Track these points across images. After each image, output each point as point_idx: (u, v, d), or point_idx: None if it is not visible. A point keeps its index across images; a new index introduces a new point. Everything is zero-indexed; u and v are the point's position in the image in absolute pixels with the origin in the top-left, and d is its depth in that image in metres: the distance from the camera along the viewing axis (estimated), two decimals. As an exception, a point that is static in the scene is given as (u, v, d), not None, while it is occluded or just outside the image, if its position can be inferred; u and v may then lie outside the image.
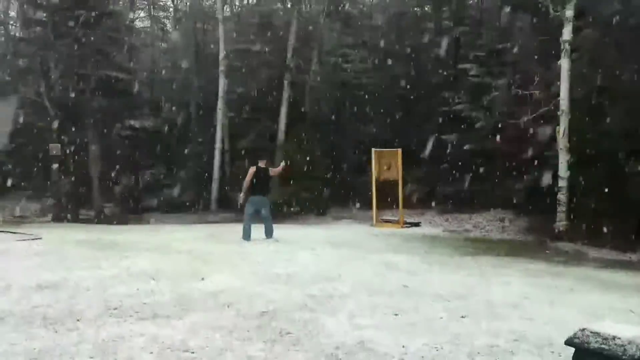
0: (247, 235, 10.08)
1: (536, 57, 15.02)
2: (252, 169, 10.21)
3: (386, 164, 14.86)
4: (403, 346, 4.15)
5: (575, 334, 2.82)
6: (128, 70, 20.11)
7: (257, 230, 10.27)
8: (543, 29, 14.33)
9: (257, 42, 20.34)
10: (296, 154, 17.38)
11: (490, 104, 16.45)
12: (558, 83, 12.94)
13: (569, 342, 2.86)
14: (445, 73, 19.45)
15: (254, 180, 10.11)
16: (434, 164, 17.89)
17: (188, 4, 27.14)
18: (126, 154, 20.12)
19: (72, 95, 17.87)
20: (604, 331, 2.72)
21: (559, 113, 12.80)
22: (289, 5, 22.54)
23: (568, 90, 12.69)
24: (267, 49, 19.99)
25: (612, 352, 2.63)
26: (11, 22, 24.00)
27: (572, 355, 2.96)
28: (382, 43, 21.58)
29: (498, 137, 15.65)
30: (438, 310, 5.24)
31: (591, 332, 2.74)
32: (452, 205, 16.50)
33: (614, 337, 2.67)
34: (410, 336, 4.39)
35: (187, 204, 19.16)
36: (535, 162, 14.14)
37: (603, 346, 2.67)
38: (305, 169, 17.22)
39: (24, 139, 20.18)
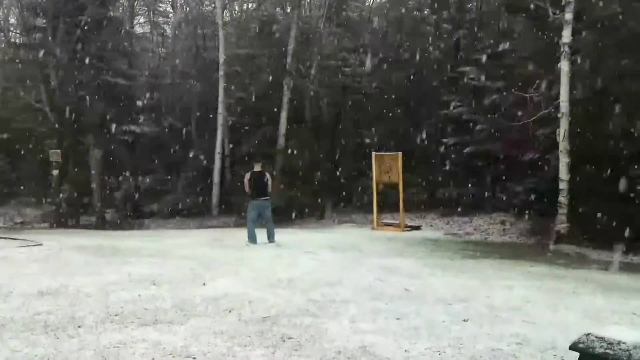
0: (252, 239, 10.12)
1: (536, 59, 15.01)
2: (247, 176, 10.34)
3: (386, 168, 14.84)
4: (405, 350, 4.14)
5: (579, 338, 2.80)
6: (128, 76, 20.15)
7: (259, 234, 10.26)
8: (542, 31, 14.33)
9: (257, 46, 20.37)
10: (296, 158, 17.37)
11: (490, 107, 16.45)
12: (558, 85, 12.94)
13: (573, 347, 2.84)
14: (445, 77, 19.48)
15: (252, 185, 10.21)
16: (435, 167, 17.88)
17: (188, 9, 27.19)
18: (127, 160, 20.11)
19: (73, 101, 17.90)
20: (609, 336, 2.70)
21: (559, 115, 12.79)
22: (288, 10, 22.58)
23: (568, 93, 12.69)
24: (267, 54, 20.01)
25: (617, 357, 2.61)
26: (11, 29, 24.02)
27: (575, 359, 2.94)
28: (381, 47, 21.60)
29: (498, 140, 15.64)
30: (440, 314, 5.23)
31: (596, 337, 2.72)
32: (453, 209, 16.47)
33: (619, 342, 2.65)
34: (412, 340, 4.37)
35: (188, 209, 19.13)
36: (536, 165, 14.13)
37: (608, 351, 2.65)
38: (305, 173, 17.21)
39: (24, 145, 20.18)
